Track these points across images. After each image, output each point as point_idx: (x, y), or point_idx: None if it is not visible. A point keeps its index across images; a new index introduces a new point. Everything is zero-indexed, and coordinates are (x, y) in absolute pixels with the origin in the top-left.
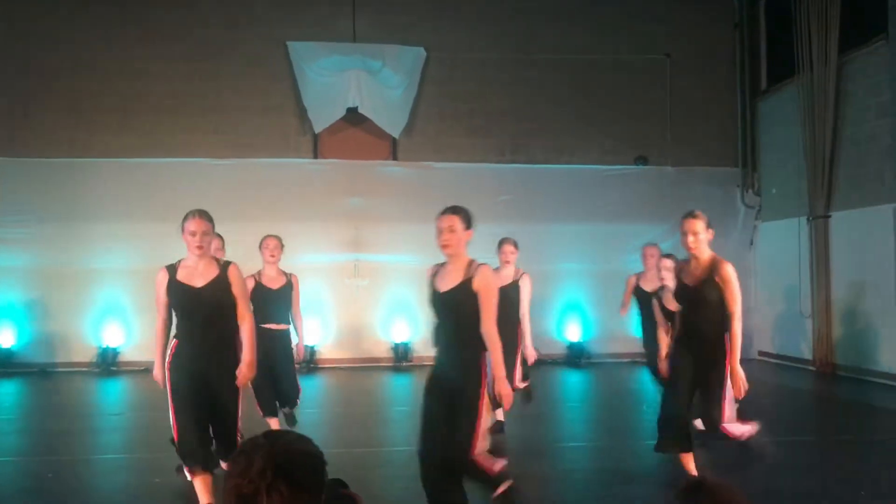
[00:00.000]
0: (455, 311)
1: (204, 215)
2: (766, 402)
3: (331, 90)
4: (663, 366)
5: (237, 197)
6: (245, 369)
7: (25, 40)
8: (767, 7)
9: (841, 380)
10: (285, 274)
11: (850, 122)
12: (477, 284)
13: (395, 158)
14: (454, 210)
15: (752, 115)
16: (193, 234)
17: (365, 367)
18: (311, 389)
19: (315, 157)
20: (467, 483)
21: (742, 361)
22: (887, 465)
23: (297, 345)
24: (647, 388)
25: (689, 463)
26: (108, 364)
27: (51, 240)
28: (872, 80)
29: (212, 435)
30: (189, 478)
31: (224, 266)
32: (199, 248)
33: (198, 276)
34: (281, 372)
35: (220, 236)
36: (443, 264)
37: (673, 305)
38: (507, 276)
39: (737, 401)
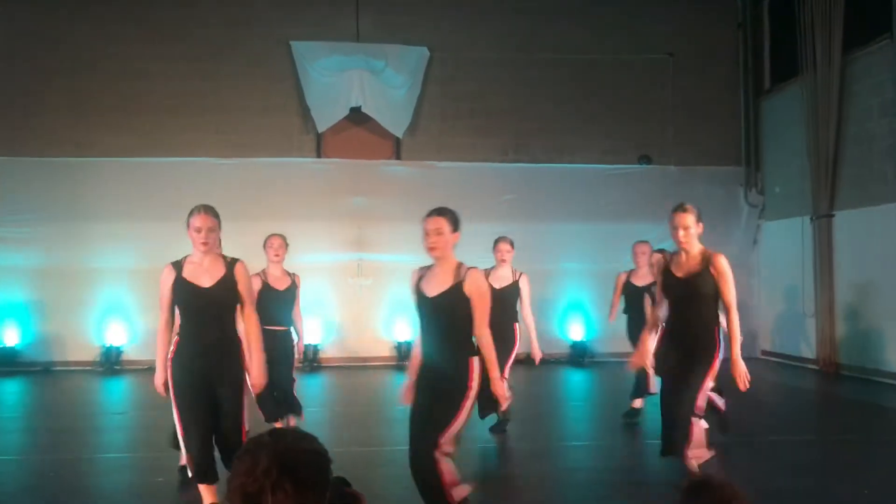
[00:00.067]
0: (445, 315)
1: (209, 211)
2: (770, 401)
3: (334, 90)
4: (637, 358)
5: (240, 196)
6: (257, 376)
7: (27, 40)
8: (771, 6)
9: (844, 379)
10: (289, 274)
11: (853, 122)
12: (468, 289)
13: (398, 158)
14: (441, 212)
15: (755, 115)
16: (199, 230)
17: (367, 367)
18: (313, 388)
19: (318, 156)
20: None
21: (744, 360)
22: (890, 464)
23: (296, 344)
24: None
25: (691, 462)
26: (111, 363)
27: (53, 239)
28: (876, 79)
29: (215, 438)
30: (190, 475)
31: (231, 264)
32: (205, 244)
33: (204, 274)
34: (280, 376)
35: None
36: (428, 267)
37: (659, 302)
38: (504, 276)
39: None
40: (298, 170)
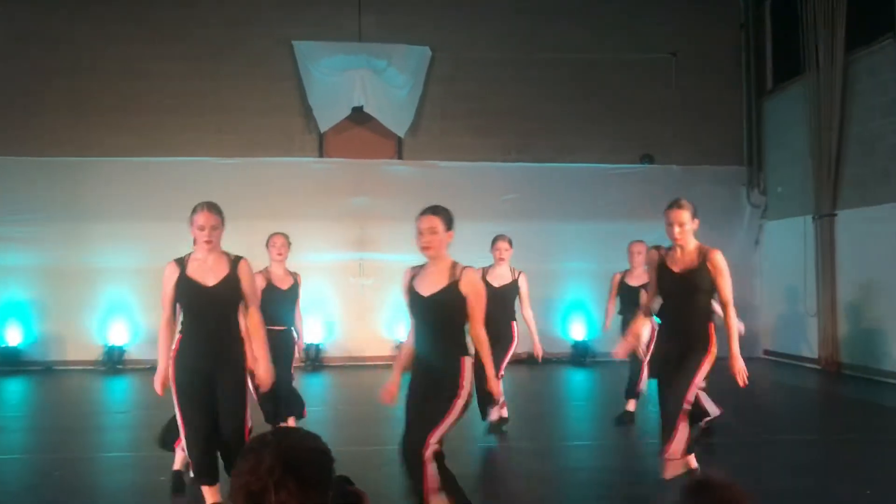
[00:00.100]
0: (440, 314)
1: (212, 208)
2: (771, 400)
3: (336, 89)
4: (623, 348)
5: (242, 196)
6: (264, 375)
7: (28, 40)
8: (773, 6)
9: (846, 379)
10: (291, 273)
11: (856, 121)
12: (465, 288)
13: (400, 157)
14: (434, 210)
15: (757, 115)
16: (202, 228)
17: (369, 366)
18: (315, 388)
19: (320, 156)
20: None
21: (746, 360)
22: (892, 464)
23: (296, 343)
24: (651, 387)
25: (692, 460)
26: (113, 362)
27: (56, 239)
28: (879, 79)
29: (218, 438)
30: (192, 475)
31: (235, 262)
32: (208, 242)
33: (208, 272)
34: (280, 376)
35: None
36: (421, 266)
37: (650, 297)
38: (503, 274)
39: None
40: (300, 169)
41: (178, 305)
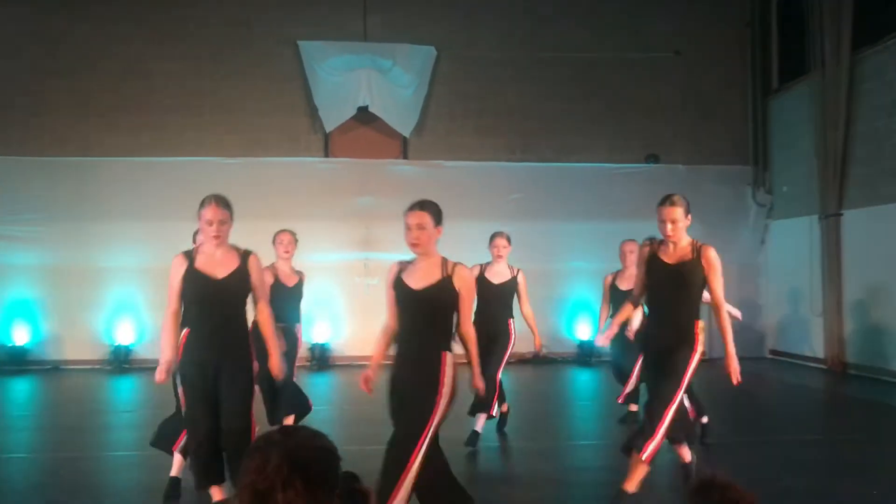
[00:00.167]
0: (430, 308)
1: (220, 202)
2: (777, 400)
3: (341, 89)
4: (603, 338)
5: (247, 196)
6: (276, 368)
7: (31, 40)
8: (779, 5)
9: (852, 378)
10: (296, 272)
11: (862, 121)
12: (458, 283)
13: (405, 157)
14: (423, 206)
15: (763, 114)
16: (210, 223)
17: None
18: (322, 387)
19: (326, 155)
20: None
21: (752, 360)
22: None
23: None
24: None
25: (686, 453)
26: (120, 361)
27: (62, 238)
28: (885, 78)
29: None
30: (195, 479)
31: (245, 256)
32: (216, 237)
33: (217, 265)
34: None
35: None
36: (409, 261)
37: (638, 293)
38: (502, 272)
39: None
40: (306, 169)
41: (185, 299)
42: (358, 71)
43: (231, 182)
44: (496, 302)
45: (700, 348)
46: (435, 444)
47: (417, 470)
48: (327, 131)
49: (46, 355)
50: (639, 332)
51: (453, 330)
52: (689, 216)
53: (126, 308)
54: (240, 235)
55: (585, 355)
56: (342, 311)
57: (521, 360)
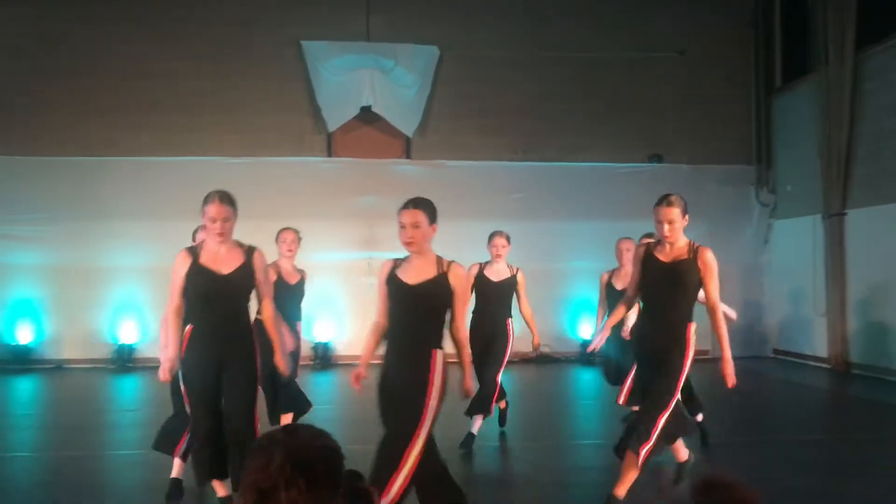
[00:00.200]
0: (425, 304)
1: (224, 199)
2: (780, 399)
3: (344, 89)
4: (595, 343)
5: (251, 195)
6: (283, 364)
7: (37, 40)
8: (782, 3)
9: (855, 378)
10: (298, 270)
11: (866, 120)
12: (454, 280)
13: (408, 157)
14: (417, 203)
15: (766, 113)
16: (213, 220)
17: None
18: (325, 386)
19: (329, 155)
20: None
21: (755, 359)
22: None
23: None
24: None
25: (682, 452)
26: (123, 360)
27: (66, 238)
28: (889, 77)
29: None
30: (195, 474)
31: (249, 252)
32: (220, 235)
33: (222, 261)
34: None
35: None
36: (403, 259)
37: (631, 294)
38: (501, 270)
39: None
40: (309, 169)
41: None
42: (361, 71)
43: (234, 182)
44: (495, 300)
45: (692, 351)
46: (430, 442)
47: (411, 469)
48: (330, 131)
49: (50, 354)
50: (633, 331)
51: (445, 329)
52: (687, 217)
53: (129, 307)
54: (243, 235)
55: (589, 354)
56: (345, 311)
57: (523, 360)
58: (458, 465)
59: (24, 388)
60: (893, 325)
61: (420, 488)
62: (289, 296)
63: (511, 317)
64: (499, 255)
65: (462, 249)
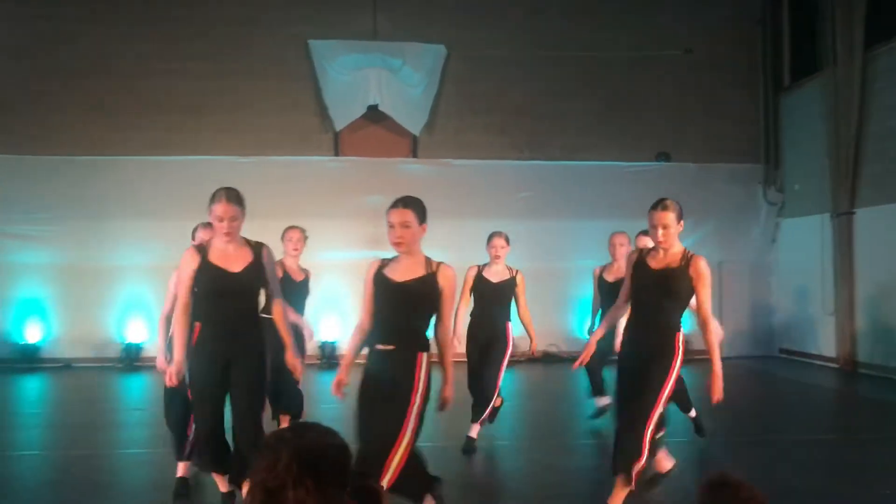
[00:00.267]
0: (412, 302)
1: (231, 198)
2: (787, 399)
3: (351, 88)
4: (583, 358)
5: (257, 195)
6: (293, 362)
7: (47, 39)
8: (791, 2)
9: (863, 378)
10: (302, 269)
11: (874, 119)
12: (442, 281)
13: (415, 156)
14: (406, 203)
15: (774, 112)
16: (220, 219)
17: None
18: (330, 385)
19: (336, 154)
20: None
21: (762, 358)
22: None
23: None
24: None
25: (663, 462)
26: (131, 360)
27: (74, 237)
28: None
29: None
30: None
31: (257, 248)
32: (227, 234)
33: (231, 259)
34: (287, 370)
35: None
36: (391, 259)
37: (622, 300)
38: (500, 272)
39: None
40: (315, 168)
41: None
42: (368, 70)
43: (240, 181)
44: (494, 303)
45: (679, 361)
46: (413, 449)
47: (392, 476)
48: (337, 130)
49: (58, 353)
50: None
51: (431, 331)
52: (682, 222)
53: (137, 306)
54: (249, 234)
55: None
56: (351, 310)
57: (529, 359)
58: (462, 464)
59: (32, 386)
60: None
61: (395, 486)
62: (295, 293)
63: (510, 320)
64: (498, 256)
65: (468, 248)
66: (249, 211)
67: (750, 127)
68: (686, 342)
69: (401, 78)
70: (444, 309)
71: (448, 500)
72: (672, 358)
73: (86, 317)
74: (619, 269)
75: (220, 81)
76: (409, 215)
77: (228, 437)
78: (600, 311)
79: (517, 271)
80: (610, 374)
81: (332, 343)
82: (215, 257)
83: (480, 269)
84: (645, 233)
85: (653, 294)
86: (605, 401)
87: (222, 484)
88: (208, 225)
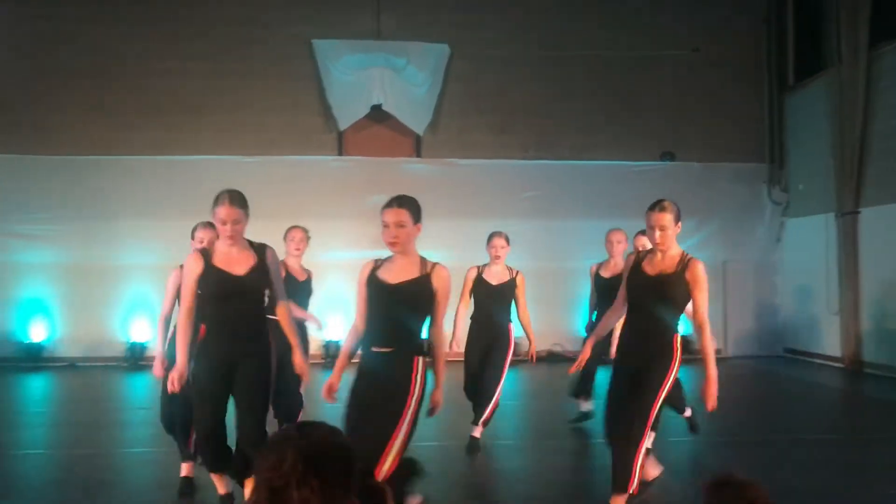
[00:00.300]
0: (406, 303)
1: (235, 201)
2: (792, 399)
3: (355, 88)
4: (578, 364)
5: (260, 194)
6: (301, 364)
7: (47, 39)
8: (796, 1)
9: (869, 377)
10: (305, 269)
11: (879, 118)
12: (436, 282)
13: (418, 155)
14: (401, 202)
15: (779, 111)
16: (223, 222)
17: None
18: None
19: (339, 154)
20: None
21: (767, 358)
22: None
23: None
24: None
25: (651, 469)
26: (135, 359)
27: (78, 236)
28: None
29: (237, 426)
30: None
31: (261, 250)
32: (230, 238)
33: (235, 262)
34: (290, 371)
35: (212, 227)
36: (385, 259)
37: (618, 305)
38: (500, 272)
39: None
40: (319, 168)
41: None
42: (371, 69)
43: (244, 181)
44: (494, 304)
45: (677, 365)
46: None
47: (384, 477)
48: (341, 130)
49: (62, 352)
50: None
51: (425, 333)
52: (680, 224)
53: (141, 306)
54: (252, 234)
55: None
56: (354, 310)
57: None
58: (464, 464)
59: (37, 385)
60: None
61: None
62: (298, 292)
63: (512, 321)
64: (498, 257)
65: (471, 248)
66: (253, 211)
67: (754, 126)
68: (685, 343)
69: (404, 77)
70: (438, 310)
71: (450, 499)
72: (670, 361)
73: (90, 316)
74: (616, 265)
75: (224, 81)
76: (404, 215)
77: (228, 437)
78: (597, 314)
79: (517, 272)
80: (604, 376)
81: (337, 342)
82: (219, 260)
83: (480, 270)
84: (643, 233)
85: (648, 300)
86: (587, 406)
87: (220, 486)
88: (208, 224)
